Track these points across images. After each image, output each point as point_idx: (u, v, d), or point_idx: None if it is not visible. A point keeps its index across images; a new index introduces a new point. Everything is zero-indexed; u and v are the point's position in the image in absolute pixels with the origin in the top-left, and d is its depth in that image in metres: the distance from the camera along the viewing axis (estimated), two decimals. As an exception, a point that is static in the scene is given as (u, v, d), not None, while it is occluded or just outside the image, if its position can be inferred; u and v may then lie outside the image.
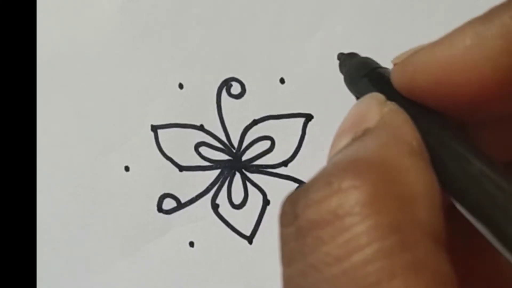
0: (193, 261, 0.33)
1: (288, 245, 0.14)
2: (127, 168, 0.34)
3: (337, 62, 0.34)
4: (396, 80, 0.17)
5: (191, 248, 0.33)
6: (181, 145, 0.34)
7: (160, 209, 0.34)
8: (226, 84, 0.34)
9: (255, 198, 0.34)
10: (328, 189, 0.14)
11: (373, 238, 0.13)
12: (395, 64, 0.17)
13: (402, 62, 0.17)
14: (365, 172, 0.14)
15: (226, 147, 0.34)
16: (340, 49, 0.33)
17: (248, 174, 0.34)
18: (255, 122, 0.34)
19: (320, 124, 0.34)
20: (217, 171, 0.34)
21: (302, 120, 0.34)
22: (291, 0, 0.34)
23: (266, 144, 0.34)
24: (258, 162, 0.34)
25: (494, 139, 0.18)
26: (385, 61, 0.33)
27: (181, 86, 0.34)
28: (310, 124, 0.34)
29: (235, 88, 0.34)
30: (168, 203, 0.34)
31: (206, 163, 0.34)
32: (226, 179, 0.34)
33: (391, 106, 0.16)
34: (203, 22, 0.34)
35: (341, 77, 0.34)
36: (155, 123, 0.34)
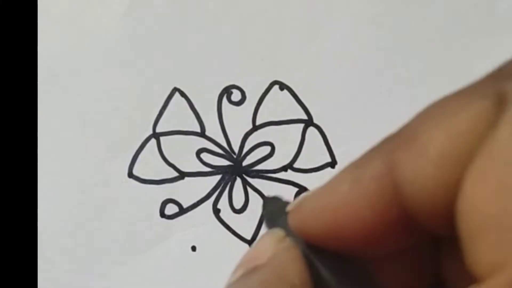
0: (195, 265, 0.34)
1: None
2: (130, 174, 0.34)
3: (337, 67, 0.35)
4: (293, 226, 0.18)
5: (193, 253, 0.34)
6: (183, 151, 0.34)
7: (162, 214, 0.34)
8: (227, 91, 0.35)
9: (255, 202, 0.34)
10: None
11: None
12: (289, 212, 0.18)
13: (293, 210, 0.17)
14: None
15: (227, 153, 0.35)
16: (339, 55, 0.34)
17: (249, 179, 0.35)
18: (255, 128, 0.35)
19: (319, 130, 0.34)
20: (218, 177, 0.35)
21: (301, 125, 0.35)
22: (290, 8, 0.35)
23: (266, 149, 0.35)
24: (259, 167, 0.35)
25: (398, 275, 0.18)
26: (385, 66, 0.34)
27: (182, 93, 0.35)
28: (309, 130, 0.34)
29: (236, 95, 0.35)
30: (171, 209, 0.34)
31: (208, 169, 0.35)
32: (227, 184, 0.35)
33: (285, 243, 0.17)
34: (204, 31, 0.35)
35: (341, 83, 0.35)
36: (157, 130, 0.34)
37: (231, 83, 0.35)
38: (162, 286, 0.34)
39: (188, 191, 0.34)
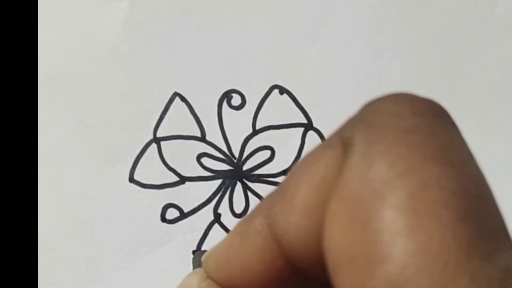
0: (197, 270, 0.34)
1: None
2: (130, 179, 0.34)
3: (336, 71, 0.36)
4: (206, 273, 0.19)
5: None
6: (184, 156, 0.35)
7: (163, 219, 0.34)
8: (227, 96, 0.35)
9: (256, 207, 0.35)
10: None
11: None
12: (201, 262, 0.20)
13: (203, 261, 0.19)
14: None
15: (227, 158, 0.35)
16: (339, 59, 0.35)
17: (249, 184, 0.35)
18: (255, 133, 0.35)
19: (319, 133, 0.35)
20: (219, 181, 0.35)
21: (301, 129, 0.35)
22: (289, 11, 0.35)
23: (266, 153, 0.35)
24: (259, 171, 0.35)
25: None
26: (384, 69, 0.34)
27: (183, 98, 0.35)
28: (309, 134, 0.35)
29: (236, 100, 0.35)
30: (171, 213, 0.34)
31: (208, 174, 0.35)
32: (228, 188, 0.35)
33: (208, 282, 0.19)
34: (204, 35, 0.35)
35: (340, 87, 0.35)
36: (158, 135, 0.34)
37: (231, 87, 0.35)
38: (163, 291, 0.34)
39: (189, 195, 0.34)
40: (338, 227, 0.14)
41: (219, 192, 0.35)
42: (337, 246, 0.14)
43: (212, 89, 0.35)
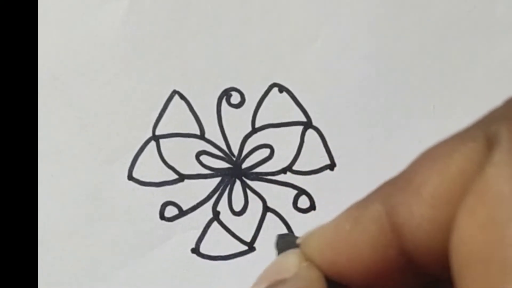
0: (195, 268, 0.34)
1: None
2: (129, 177, 0.34)
3: (336, 70, 0.36)
4: (303, 258, 0.19)
5: (193, 255, 0.34)
6: (183, 154, 0.35)
7: (162, 216, 0.34)
8: (226, 94, 0.35)
9: (255, 205, 0.35)
10: None
11: None
12: (299, 244, 0.19)
13: (302, 243, 0.19)
14: None
15: (227, 156, 0.35)
16: (339, 57, 0.35)
17: (248, 182, 0.35)
18: (254, 131, 0.35)
19: (318, 132, 0.35)
20: (218, 179, 0.35)
21: (300, 128, 0.35)
22: (289, 10, 0.35)
23: (265, 152, 0.35)
24: (258, 169, 0.35)
25: None
26: (384, 69, 0.34)
27: (182, 96, 0.35)
28: (308, 132, 0.35)
29: (235, 98, 0.35)
30: (170, 211, 0.34)
31: (207, 171, 0.35)
32: (227, 186, 0.35)
33: (308, 263, 0.18)
34: (204, 33, 0.35)
35: (340, 85, 0.35)
36: (157, 133, 0.34)
37: (230, 85, 0.35)
38: (162, 288, 0.34)
39: (188, 193, 0.34)
40: (474, 225, 0.13)
41: (218, 190, 0.35)
42: (470, 245, 0.13)
43: (211, 87, 0.35)
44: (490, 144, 0.14)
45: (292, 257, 0.18)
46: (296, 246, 0.20)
